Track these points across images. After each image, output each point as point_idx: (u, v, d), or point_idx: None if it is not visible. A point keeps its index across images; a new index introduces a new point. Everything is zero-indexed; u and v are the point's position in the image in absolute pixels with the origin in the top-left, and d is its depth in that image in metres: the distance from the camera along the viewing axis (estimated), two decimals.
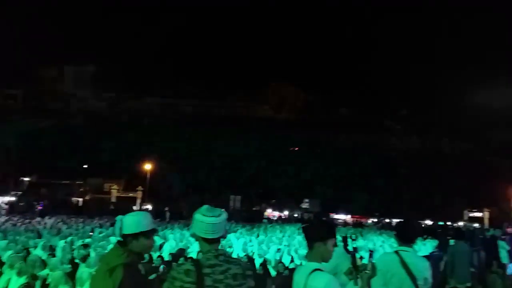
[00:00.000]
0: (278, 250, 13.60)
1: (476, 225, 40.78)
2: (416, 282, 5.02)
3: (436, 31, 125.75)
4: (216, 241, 3.26)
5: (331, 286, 3.72)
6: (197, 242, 3.40)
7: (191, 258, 3.85)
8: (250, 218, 40.68)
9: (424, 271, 5.14)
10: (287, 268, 10.05)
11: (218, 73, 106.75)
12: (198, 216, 3.25)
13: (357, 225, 46.24)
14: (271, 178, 66.39)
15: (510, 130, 49.02)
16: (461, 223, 44.60)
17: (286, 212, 58.75)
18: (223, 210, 3.37)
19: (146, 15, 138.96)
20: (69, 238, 12.63)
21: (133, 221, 3.41)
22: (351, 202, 58.71)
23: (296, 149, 77.93)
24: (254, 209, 54.74)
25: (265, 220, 43.70)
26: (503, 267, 9.42)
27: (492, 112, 48.95)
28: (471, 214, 51.43)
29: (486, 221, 45.52)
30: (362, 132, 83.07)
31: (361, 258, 10.46)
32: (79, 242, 11.53)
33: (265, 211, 56.69)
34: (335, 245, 4.06)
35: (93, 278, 3.71)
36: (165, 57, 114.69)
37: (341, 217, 56.01)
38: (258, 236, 18.56)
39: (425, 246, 14.54)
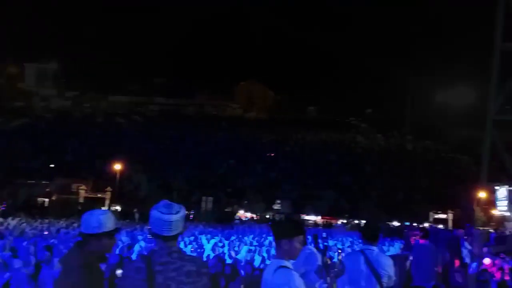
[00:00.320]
0: (249, 251, 13.59)
1: (441, 226, 42.10)
2: (380, 280, 5.21)
3: (403, 33, 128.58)
4: (173, 238, 3.12)
5: (293, 283, 3.71)
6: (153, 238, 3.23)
7: (143, 255, 3.70)
8: (222, 219, 40.62)
9: (388, 269, 5.32)
10: (257, 268, 10.00)
11: (187, 71, 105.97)
12: (154, 212, 3.09)
13: (327, 225, 47.20)
14: (240, 177, 66.40)
15: (470, 128, 50.30)
16: (426, 224, 45.92)
17: (258, 213, 58.96)
18: (181, 206, 3.19)
19: (111, 11, 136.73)
20: (32, 240, 12.29)
21: (96, 221, 3.25)
22: (319, 200, 59.32)
23: (272, 154, 77.65)
24: (226, 210, 54.59)
25: (237, 221, 43.77)
26: (465, 266, 9.84)
27: (455, 110, 50.34)
28: (436, 216, 53.12)
29: (450, 223, 46.99)
30: (329, 131, 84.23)
31: (331, 258, 10.58)
32: (43, 244, 11.21)
33: (237, 212, 56.75)
34: (303, 243, 4.05)
35: (55, 280, 3.61)
36: (132, 54, 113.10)
37: (311, 218, 56.72)
38: (229, 237, 18.49)
39: (393, 247, 14.83)
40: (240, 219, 50.11)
